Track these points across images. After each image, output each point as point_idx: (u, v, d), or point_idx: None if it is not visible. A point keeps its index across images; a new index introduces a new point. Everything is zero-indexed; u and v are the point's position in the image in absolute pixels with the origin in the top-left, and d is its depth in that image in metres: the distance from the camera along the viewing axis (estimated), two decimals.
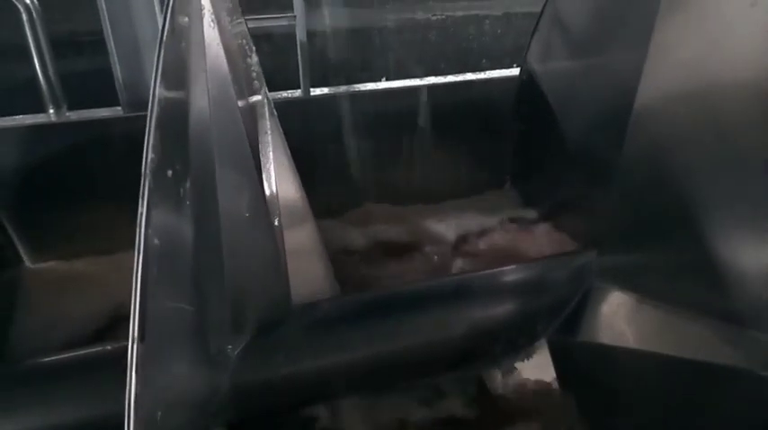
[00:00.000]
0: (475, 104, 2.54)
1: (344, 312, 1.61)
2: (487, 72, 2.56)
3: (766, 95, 1.12)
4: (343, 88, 2.41)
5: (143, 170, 0.87)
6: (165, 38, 0.96)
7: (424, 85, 2.46)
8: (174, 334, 1.00)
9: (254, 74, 1.58)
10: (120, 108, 2.12)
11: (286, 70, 2.36)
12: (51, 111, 2.09)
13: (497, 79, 2.53)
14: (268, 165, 1.56)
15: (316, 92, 2.35)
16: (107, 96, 2.10)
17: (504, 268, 1.76)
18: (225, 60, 1.23)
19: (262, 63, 1.61)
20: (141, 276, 0.81)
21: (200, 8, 1.14)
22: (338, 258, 2.15)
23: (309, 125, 2.36)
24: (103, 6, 1.97)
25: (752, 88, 1.15)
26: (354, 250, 2.34)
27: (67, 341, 1.84)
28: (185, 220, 1.02)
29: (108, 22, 2.00)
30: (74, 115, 2.11)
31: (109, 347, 1.45)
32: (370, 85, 2.44)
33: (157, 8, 2.01)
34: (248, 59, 1.55)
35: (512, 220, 2.51)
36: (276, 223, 1.55)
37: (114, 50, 2.04)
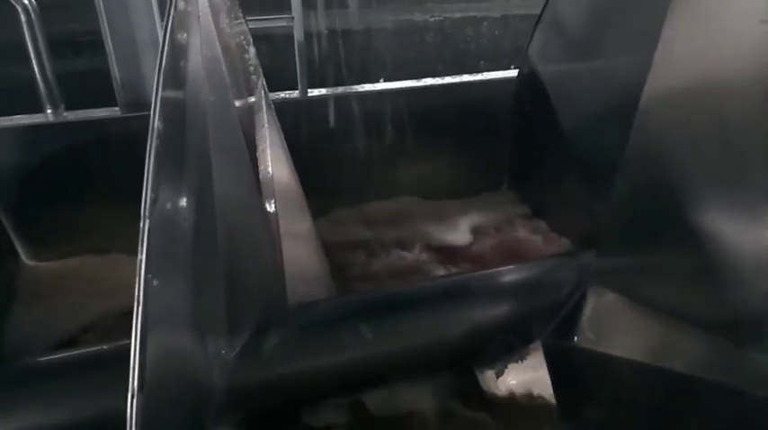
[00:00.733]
0: (472, 106, 2.55)
1: (340, 313, 1.62)
2: (485, 74, 2.57)
3: None
4: (340, 89, 2.41)
5: (144, 180, 0.87)
6: (166, 43, 0.96)
7: (421, 87, 2.47)
8: (173, 335, 1.00)
9: (252, 68, 1.59)
10: (117, 108, 2.12)
11: (284, 71, 2.36)
12: (49, 111, 2.09)
13: (495, 81, 2.53)
14: (265, 163, 1.56)
15: (313, 92, 2.36)
16: (105, 97, 2.11)
17: (500, 269, 1.77)
18: (222, 61, 1.24)
19: (260, 65, 1.62)
20: (144, 279, 0.82)
21: (199, 11, 1.15)
22: (334, 257, 2.15)
23: (307, 126, 2.37)
24: (101, 7, 1.98)
25: (759, 97, 1.13)
26: (350, 250, 2.34)
27: (64, 339, 1.85)
28: (185, 222, 1.02)
29: (106, 23, 2.00)
30: (71, 115, 2.12)
31: (105, 347, 1.46)
32: (368, 86, 2.44)
33: (155, 9, 2.02)
34: (246, 55, 1.56)
35: (509, 221, 2.52)
36: (273, 222, 1.55)
37: (112, 51, 2.04)
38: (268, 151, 1.58)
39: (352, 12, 3.74)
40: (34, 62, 2.05)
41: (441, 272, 2.23)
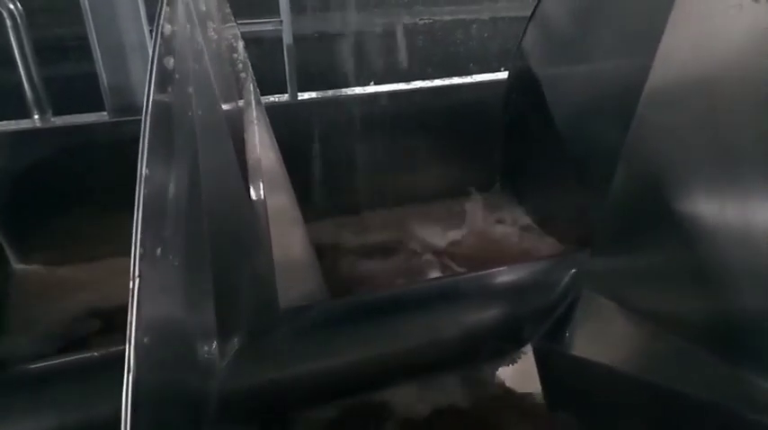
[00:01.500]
0: (463, 107, 2.55)
1: (332, 317, 1.61)
2: (475, 76, 2.57)
3: None
4: (330, 92, 2.41)
5: (138, 180, 0.86)
6: (157, 47, 0.96)
7: (411, 89, 2.47)
8: (167, 342, 0.99)
9: (241, 65, 1.58)
10: (105, 113, 2.11)
11: (274, 75, 2.36)
12: (36, 116, 2.08)
13: (485, 83, 2.54)
14: (255, 163, 1.55)
15: (303, 96, 2.35)
16: (92, 102, 2.10)
17: (492, 271, 1.76)
18: (212, 73, 1.24)
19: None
20: (138, 284, 0.81)
21: (189, 15, 1.14)
22: (326, 260, 2.15)
23: (297, 129, 2.37)
24: (88, 11, 1.96)
25: (762, 104, 1.11)
26: (342, 252, 2.34)
27: (53, 345, 1.84)
28: (176, 225, 1.02)
29: (93, 28, 1.99)
30: (59, 120, 2.10)
31: (96, 354, 1.44)
32: (358, 90, 2.44)
33: (143, 12, 2.01)
34: (234, 54, 1.55)
35: (501, 222, 2.52)
36: (263, 226, 1.55)
37: (99, 56, 2.03)
38: (258, 152, 1.57)
39: (340, 15, 3.74)
40: (21, 67, 2.04)
41: (433, 273, 2.23)
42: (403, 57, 3.86)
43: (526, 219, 2.51)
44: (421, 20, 3.93)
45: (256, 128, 1.61)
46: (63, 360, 1.46)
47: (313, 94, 2.38)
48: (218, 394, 1.32)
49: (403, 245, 2.39)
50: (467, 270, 2.21)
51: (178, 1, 1.08)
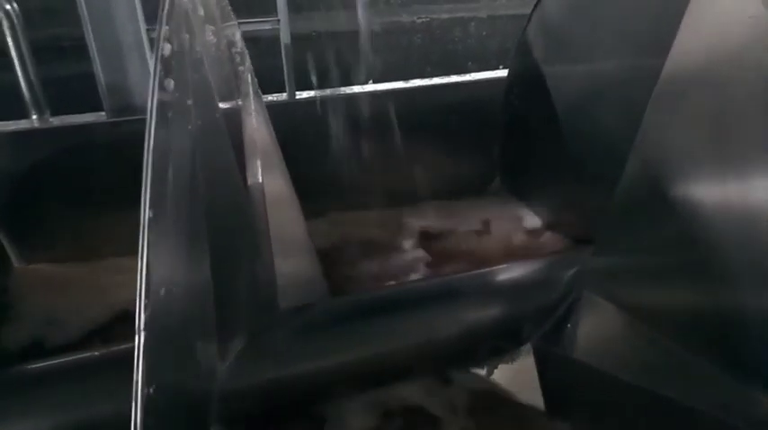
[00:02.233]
0: (462, 106, 2.55)
1: (332, 316, 1.61)
2: (473, 74, 2.57)
3: None
4: (328, 91, 2.40)
5: (143, 178, 0.85)
6: (161, 46, 0.96)
7: (410, 88, 2.47)
8: (171, 343, 0.99)
9: (239, 58, 1.58)
10: (103, 113, 2.10)
11: (272, 74, 2.35)
12: (34, 117, 2.08)
13: (484, 81, 2.54)
14: (254, 160, 1.54)
15: (302, 95, 2.35)
16: (91, 102, 2.09)
17: (493, 269, 1.76)
18: (208, 72, 1.23)
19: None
20: (145, 282, 0.81)
21: (189, 26, 1.14)
22: (325, 259, 2.14)
23: (295, 128, 2.36)
24: (85, 11, 1.96)
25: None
26: (340, 251, 2.34)
27: (54, 344, 1.84)
28: (178, 227, 1.02)
29: (90, 28, 1.98)
30: (57, 121, 2.10)
31: (96, 354, 1.44)
32: (356, 88, 2.44)
33: (139, 12, 2.00)
34: (233, 49, 1.55)
35: (501, 219, 2.52)
36: (263, 225, 1.54)
37: (97, 56, 2.02)
38: (257, 151, 1.57)
39: (338, 13, 3.73)
40: (18, 68, 2.03)
41: (433, 271, 2.23)
42: (401, 55, 3.85)
43: (526, 217, 2.51)
44: (419, 18, 3.93)
45: (254, 119, 1.60)
46: (63, 360, 1.46)
47: (311, 93, 2.37)
48: (219, 395, 1.32)
49: (402, 242, 2.39)
50: (467, 267, 2.21)
51: (178, 15, 1.08)
